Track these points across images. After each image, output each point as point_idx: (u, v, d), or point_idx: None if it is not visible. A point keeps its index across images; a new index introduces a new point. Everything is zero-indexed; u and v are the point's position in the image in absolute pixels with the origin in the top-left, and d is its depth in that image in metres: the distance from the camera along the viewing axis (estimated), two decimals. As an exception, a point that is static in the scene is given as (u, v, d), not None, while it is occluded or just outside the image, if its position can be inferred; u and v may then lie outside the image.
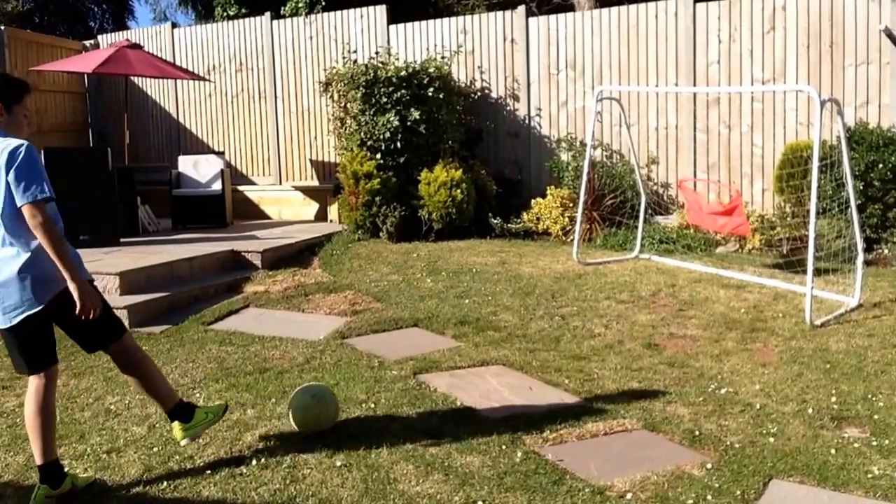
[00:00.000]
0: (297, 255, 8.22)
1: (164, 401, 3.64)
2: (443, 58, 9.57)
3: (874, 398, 4.22)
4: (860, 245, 6.10)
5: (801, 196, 7.69)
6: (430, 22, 10.29)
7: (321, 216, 10.49)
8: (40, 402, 3.33)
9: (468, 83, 10.05)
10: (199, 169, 10.04)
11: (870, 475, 3.38)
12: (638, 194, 8.24)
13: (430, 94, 9.07)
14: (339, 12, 10.78)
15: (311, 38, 10.85)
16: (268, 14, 11.20)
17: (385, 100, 9.01)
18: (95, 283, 3.40)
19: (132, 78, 11.26)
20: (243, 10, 13.90)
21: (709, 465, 3.49)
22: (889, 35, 7.27)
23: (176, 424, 3.65)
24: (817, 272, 5.97)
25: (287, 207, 10.83)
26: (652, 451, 3.68)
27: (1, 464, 3.73)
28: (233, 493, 3.37)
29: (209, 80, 11.11)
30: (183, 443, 3.69)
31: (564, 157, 9.50)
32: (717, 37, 8.77)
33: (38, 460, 3.32)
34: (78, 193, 7.88)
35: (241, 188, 11.00)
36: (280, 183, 11.16)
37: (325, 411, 3.87)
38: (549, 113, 9.71)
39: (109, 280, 6.55)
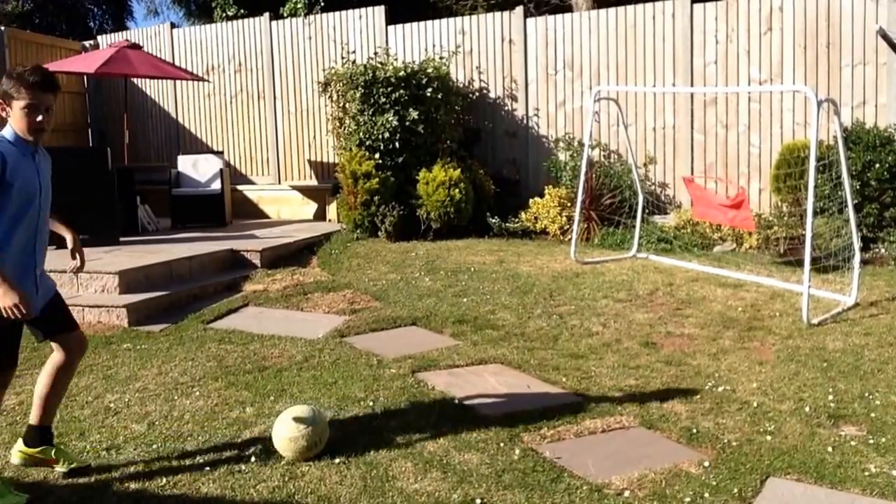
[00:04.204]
0: (295, 255, 8.24)
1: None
2: (441, 58, 9.59)
3: (871, 396, 4.24)
4: (857, 244, 6.13)
5: (798, 196, 7.72)
6: (429, 22, 10.31)
7: (320, 215, 10.50)
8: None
9: (466, 83, 10.06)
10: (198, 168, 10.05)
11: (867, 473, 3.40)
12: (635, 194, 8.26)
13: (428, 94, 9.08)
14: (337, 13, 10.79)
15: (309, 38, 10.87)
16: (266, 15, 11.22)
17: (383, 100, 9.03)
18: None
19: (131, 78, 11.27)
20: (242, 11, 13.91)
21: (706, 463, 3.51)
22: (884, 36, 7.29)
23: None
24: (814, 271, 5.99)
25: (286, 207, 10.85)
26: (649, 449, 3.69)
27: (1, 461, 3.74)
28: (231, 490, 3.38)
29: (208, 81, 11.12)
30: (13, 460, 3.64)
31: (562, 156, 9.53)
32: (715, 37, 8.80)
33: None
34: (78, 193, 7.89)
35: (240, 188, 11.02)
36: (279, 182, 11.18)
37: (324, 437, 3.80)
38: (546, 113, 9.73)
39: (109, 279, 6.56)
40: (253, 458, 3.63)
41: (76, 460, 3.62)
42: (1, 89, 3.23)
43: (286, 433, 3.58)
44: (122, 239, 8.24)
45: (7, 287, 3.08)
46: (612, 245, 8.41)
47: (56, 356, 3.56)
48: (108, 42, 11.96)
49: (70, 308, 6.31)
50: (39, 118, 3.23)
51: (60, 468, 3.56)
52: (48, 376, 3.55)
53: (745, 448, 3.66)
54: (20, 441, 3.60)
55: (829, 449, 3.63)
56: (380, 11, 10.46)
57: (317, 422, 3.62)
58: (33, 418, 3.58)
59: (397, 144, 9.07)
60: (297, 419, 3.60)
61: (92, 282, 6.63)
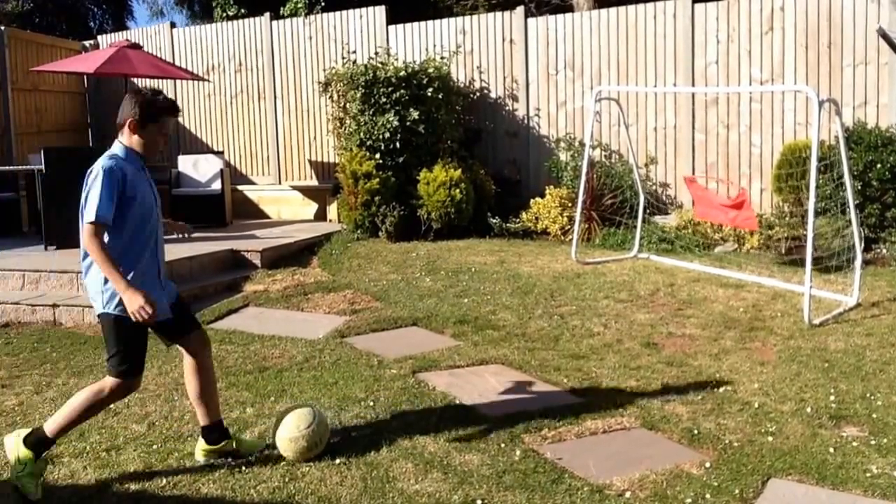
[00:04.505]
0: (296, 255, 8.23)
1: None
2: (442, 58, 9.58)
3: (872, 397, 4.22)
4: (859, 245, 6.11)
5: (799, 196, 7.70)
6: (430, 22, 10.30)
7: (320, 216, 10.50)
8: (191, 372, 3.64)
9: (467, 83, 10.05)
10: (198, 168, 10.05)
11: (868, 474, 3.39)
12: (636, 194, 8.24)
13: (429, 94, 9.07)
14: (338, 13, 10.78)
15: (310, 38, 10.86)
16: (267, 14, 11.21)
17: (384, 100, 9.02)
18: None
19: (131, 78, 11.25)
20: (242, 11, 13.89)
21: (707, 464, 3.50)
22: (883, 35, 7.28)
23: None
24: (816, 272, 5.98)
25: (286, 207, 10.84)
26: (651, 450, 3.68)
27: (1, 461, 3.73)
28: (232, 490, 3.37)
29: (208, 80, 11.12)
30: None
31: (563, 156, 9.51)
32: (716, 37, 8.79)
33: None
34: (77, 193, 7.85)
35: (240, 188, 11.00)
36: (279, 182, 11.16)
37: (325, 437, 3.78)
38: (547, 113, 9.72)
39: (109, 279, 6.55)
40: (253, 459, 3.62)
41: (258, 445, 3.73)
42: (136, 111, 3.43)
43: (286, 434, 3.58)
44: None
45: (132, 292, 3.24)
46: (614, 245, 8.39)
47: (188, 361, 3.65)
48: (107, 42, 11.95)
49: (70, 308, 6.36)
50: (166, 140, 3.65)
51: (249, 454, 3.67)
52: (191, 381, 3.64)
53: (747, 449, 3.65)
54: (200, 440, 3.66)
55: (831, 450, 3.62)
56: (380, 11, 10.45)
57: (317, 422, 3.61)
58: (202, 420, 3.67)
59: (398, 144, 9.06)
60: (298, 420, 3.59)
61: (92, 282, 6.61)
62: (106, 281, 3.35)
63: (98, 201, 3.30)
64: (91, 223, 3.28)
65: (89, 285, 3.44)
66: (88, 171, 3.41)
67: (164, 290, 3.53)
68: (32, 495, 3.34)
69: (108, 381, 3.44)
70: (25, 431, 3.47)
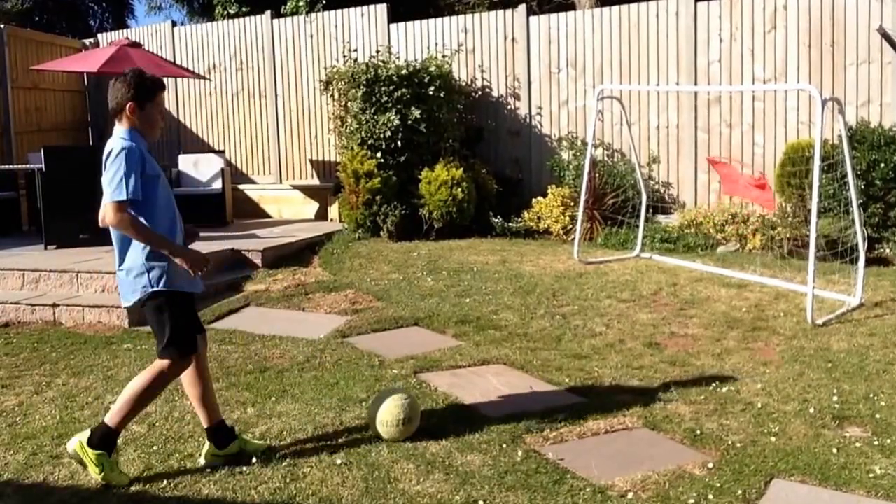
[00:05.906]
0: (297, 254, 8.22)
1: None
2: (443, 56, 9.55)
3: (876, 397, 4.20)
4: (862, 244, 6.08)
5: (802, 195, 7.67)
6: (431, 21, 10.28)
7: (321, 215, 10.48)
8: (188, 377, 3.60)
9: (469, 82, 10.03)
10: (199, 168, 10.03)
11: (871, 475, 3.37)
12: (639, 193, 8.22)
13: (430, 92, 9.05)
14: (339, 11, 10.76)
15: (311, 36, 10.84)
16: (268, 13, 11.19)
17: (385, 98, 9.00)
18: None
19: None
20: (244, 9, 13.88)
21: (710, 465, 3.48)
22: (884, 35, 7.26)
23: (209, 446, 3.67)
24: (819, 271, 5.95)
25: (287, 206, 10.82)
26: (653, 450, 3.66)
27: (0, 462, 3.72)
28: (232, 491, 3.36)
29: (209, 79, 11.10)
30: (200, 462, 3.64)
31: (565, 155, 9.49)
32: (719, 36, 8.76)
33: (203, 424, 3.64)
34: (78, 192, 7.86)
35: (241, 187, 10.99)
36: (280, 182, 11.15)
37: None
38: (549, 112, 9.70)
39: (109, 279, 6.54)
40: (254, 460, 3.61)
41: (261, 446, 3.70)
42: (131, 94, 3.44)
43: (386, 417, 3.74)
44: (123, 238, 8.20)
45: (185, 249, 3.43)
46: (616, 245, 8.37)
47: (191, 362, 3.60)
48: (108, 40, 11.92)
49: (70, 308, 6.35)
50: (163, 117, 3.65)
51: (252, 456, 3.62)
52: (195, 384, 3.61)
53: (750, 449, 3.63)
54: (208, 444, 3.60)
55: (834, 450, 3.60)
56: (382, 9, 10.43)
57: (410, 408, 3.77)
58: (205, 422, 3.63)
59: (399, 143, 9.04)
60: (395, 407, 3.75)
61: (92, 282, 6.61)
62: (149, 258, 3.40)
63: (124, 179, 3.32)
64: (120, 202, 3.30)
65: (128, 272, 3.46)
66: (107, 151, 3.40)
67: None
68: (124, 485, 3.41)
69: (164, 363, 3.47)
70: (85, 435, 3.45)
